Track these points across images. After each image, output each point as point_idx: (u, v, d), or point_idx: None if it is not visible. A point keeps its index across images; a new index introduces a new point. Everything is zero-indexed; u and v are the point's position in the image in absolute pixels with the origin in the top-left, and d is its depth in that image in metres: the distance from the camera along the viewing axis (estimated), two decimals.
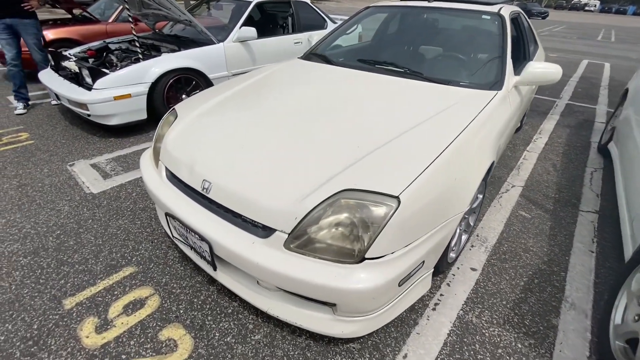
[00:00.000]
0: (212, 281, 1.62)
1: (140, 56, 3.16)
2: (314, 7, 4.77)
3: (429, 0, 2.58)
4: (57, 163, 2.66)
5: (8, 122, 3.40)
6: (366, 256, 1.07)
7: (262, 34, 3.93)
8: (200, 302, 1.50)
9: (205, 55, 3.44)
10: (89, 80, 2.91)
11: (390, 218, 1.06)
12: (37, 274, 1.63)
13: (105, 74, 2.90)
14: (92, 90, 2.85)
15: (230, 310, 1.47)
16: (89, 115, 2.94)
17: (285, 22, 4.51)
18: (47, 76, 3.36)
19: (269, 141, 1.42)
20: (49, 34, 4.61)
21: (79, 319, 1.41)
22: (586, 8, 43.99)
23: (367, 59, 2.24)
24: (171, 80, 3.19)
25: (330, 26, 4.91)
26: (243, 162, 1.33)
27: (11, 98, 3.98)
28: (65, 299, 1.50)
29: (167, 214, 1.41)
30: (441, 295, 1.59)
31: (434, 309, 1.51)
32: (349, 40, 2.90)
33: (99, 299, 1.51)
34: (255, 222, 1.21)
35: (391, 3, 2.75)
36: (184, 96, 3.36)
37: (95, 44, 3.86)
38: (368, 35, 3.34)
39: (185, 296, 1.53)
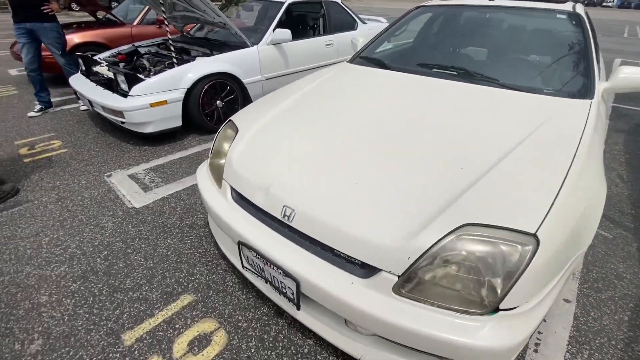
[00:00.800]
0: (280, 313, 1.46)
1: (174, 61, 3.04)
2: (345, 7, 4.60)
3: None
4: (94, 174, 2.55)
5: (39, 129, 3.32)
6: (500, 307, 0.90)
7: (293, 35, 3.77)
8: (271, 339, 1.35)
9: (240, 59, 3.30)
10: (124, 86, 2.80)
11: (529, 261, 0.89)
12: (89, 302, 1.50)
13: (142, 79, 2.78)
14: (128, 97, 2.74)
15: (306, 350, 1.31)
16: (123, 122, 2.83)
17: (316, 23, 4.35)
18: (79, 82, 3.26)
19: (353, 160, 1.25)
20: (75, 38, 4.54)
21: (142, 358, 1.27)
22: (604, 4, 42.76)
23: (430, 63, 2.07)
24: (206, 86, 3.06)
25: (361, 27, 4.74)
26: (329, 185, 1.17)
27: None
28: (123, 333, 1.37)
29: (240, 243, 1.26)
30: (539, 333, 1.40)
31: (535, 351, 1.33)
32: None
33: (160, 333, 1.37)
34: (351, 257, 1.05)
35: (445, 2, 2.56)
36: (218, 102, 3.23)
37: (125, 47, 3.76)
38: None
39: (253, 331, 1.38)
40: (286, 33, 3.44)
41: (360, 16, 4.89)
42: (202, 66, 3.01)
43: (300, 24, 4.22)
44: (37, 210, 2.11)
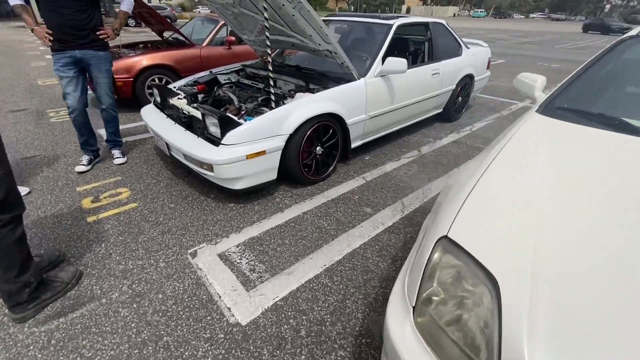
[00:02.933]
0: None
1: (272, 97, 2.41)
2: (450, 30, 3.88)
3: None
4: (174, 249, 1.92)
5: (104, 171, 2.80)
6: None
7: None
8: None
9: (346, 95, 2.63)
10: (214, 130, 2.19)
11: None
12: None
13: (237, 123, 2.17)
14: (220, 145, 2.12)
15: None
16: (205, 174, 2.21)
17: (420, 48, 3.65)
18: (153, 116, 2.73)
19: None
20: (143, 60, 4.15)
21: None
22: None
23: None
24: (310, 131, 2.40)
25: (465, 52, 3.99)
26: None
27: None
28: None
29: None
30: None
31: None
32: None
33: None
34: None
35: None
36: (318, 148, 2.56)
37: (202, 75, 3.24)
38: None
39: None
40: (401, 63, 2.73)
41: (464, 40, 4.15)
42: (307, 106, 2.37)
43: (404, 50, 3.54)
44: (105, 318, 1.48)
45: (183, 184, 2.63)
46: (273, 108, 2.37)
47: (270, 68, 2.36)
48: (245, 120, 2.24)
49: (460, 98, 4.16)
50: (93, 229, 2.07)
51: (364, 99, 2.76)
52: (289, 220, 2.21)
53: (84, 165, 2.77)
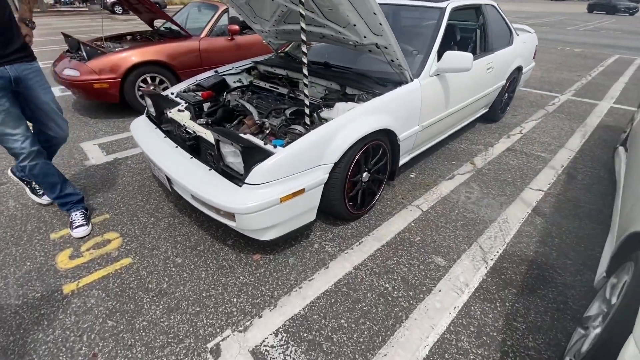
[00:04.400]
0: None
1: (306, 110, 1.79)
2: (502, 14, 3.23)
3: None
4: (187, 342, 1.34)
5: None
6: None
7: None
8: None
9: (399, 103, 2.02)
10: (233, 161, 1.59)
11: None
12: None
13: (266, 152, 1.56)
14: (244, 185, 1.52)
15: None
16: (222, 221, 1.62)
17: (471, 37, 3.02)
18: (147, 135, 2.09)
19: None
20: (132, 56, 3.46)
21: None
22: None
23: None
24: (358, 154, 1.80)
25: (516, 41, 3.35)
26: None
27: (90, 151, 2.83)
28: None
29: None
30: None
31: None
32: None
33: None
34: None
35: None
36: (364, 174, 1.97)
37: (207, 76, 2.58)
38: None
39: None
40: (466, 59, 2.10)
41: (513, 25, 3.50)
42: (356, 122, 1.75)
43: (452, 40, 2.89)
44: None
45: (190, 223, 2.03)
46: (308, 126, 1.77)
47: (305, 72, 1.71)
48: (274, 146, 1.63)
49: (507, 94, 3.55)
50: (71, 307, 1.48)
51: (419, 106, 2.15)
52: (339, 282, 1.63)
53: (83, 225, 1.92)
